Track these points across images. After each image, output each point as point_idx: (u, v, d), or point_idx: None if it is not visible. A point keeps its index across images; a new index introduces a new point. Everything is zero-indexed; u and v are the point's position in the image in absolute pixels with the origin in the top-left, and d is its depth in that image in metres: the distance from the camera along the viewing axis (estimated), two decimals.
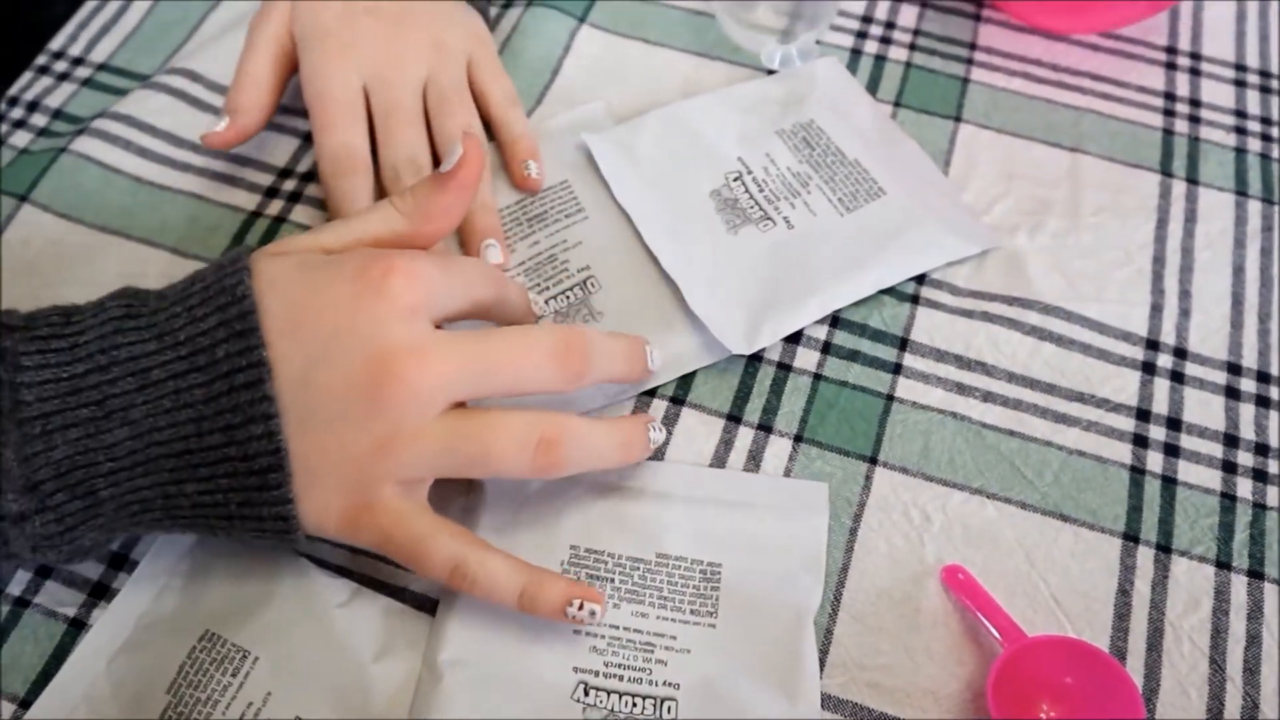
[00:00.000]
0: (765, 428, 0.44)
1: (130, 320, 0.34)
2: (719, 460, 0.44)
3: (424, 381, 0.34)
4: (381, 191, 0.47)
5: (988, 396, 0.45)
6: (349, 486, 0.35)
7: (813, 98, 0.53)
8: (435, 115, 0.49)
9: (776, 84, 0.54)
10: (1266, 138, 0.55)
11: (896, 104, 0.54)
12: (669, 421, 0.44)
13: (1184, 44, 0.58)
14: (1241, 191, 0.52)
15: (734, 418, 0.45)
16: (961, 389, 0.46)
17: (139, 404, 0.33)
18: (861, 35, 0.57)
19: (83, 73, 0.55)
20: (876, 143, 0.52)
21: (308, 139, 0.52)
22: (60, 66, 0.55)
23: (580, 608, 0.36)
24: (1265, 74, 0.57)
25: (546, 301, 0.46)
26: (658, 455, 0.43)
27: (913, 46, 0.57)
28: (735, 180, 0.50)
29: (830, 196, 0.49)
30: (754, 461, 0.44)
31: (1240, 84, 0.57)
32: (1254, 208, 0.52)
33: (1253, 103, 0.56)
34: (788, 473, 0.43)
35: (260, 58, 0.48)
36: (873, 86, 0.55)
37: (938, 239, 0.48)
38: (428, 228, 0.38)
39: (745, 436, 0.44)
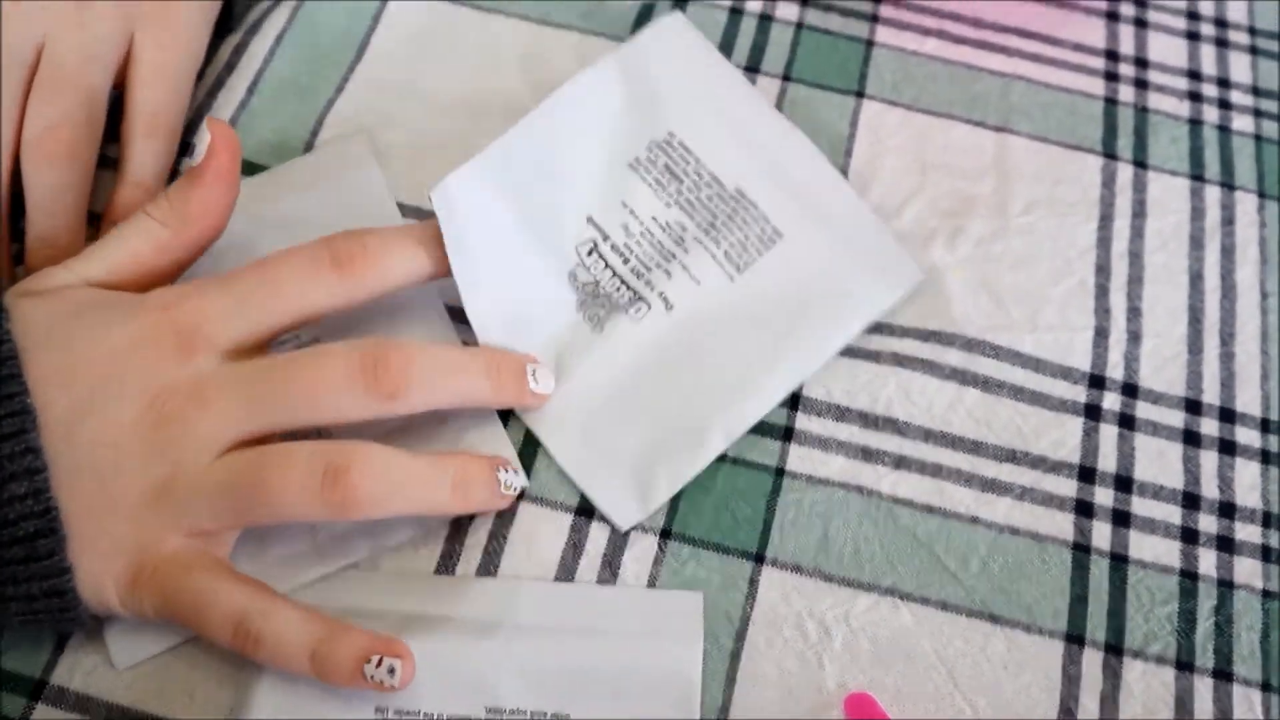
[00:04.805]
0: None
1: None
2: (566, 571, 0.34)
3: (202, 418, 0.31)
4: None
5: (900, 463, 0.37)
6: (128, 546, 0.31)
7: (662, 91, 0.40)
8: (30, 98, 0.36)
9: (612, 75, 0.39)
10: (1224, 104, 0.46)
11: (786, 78, 0.44)
12: (502, 521, 0.35)
13: None
14: (1197, 175, 0.44)
15: (585, 511, 0.35)
16: (867, 455, 0.37)
17: None
18: None
19: None
20: (756, 148, 0.40)
21: None
22: None
23: (379, 664, 0.30)
24: (1221, 23, 0.48)
25: None
26: (496, 566, 0.34)
27: (805, 1, 0.46)
28: (590, 254, 0.38)
29: (714, 251, 0.38)
30: (610, 569, 0.35)
31: (1193, 36, 0.48)
32: (1212, 195, 0.43)
33: (1208, 60, 0.47)
34: (653, 581, 0.34)
35: None
36: (756, 55, 0.45)
37: (856, 295, 0.38)
38: (192, 230, 0.34)
39: (599, 536, 0.35)
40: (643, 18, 0.45)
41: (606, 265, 0.38)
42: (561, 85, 0.38)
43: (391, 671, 0.30)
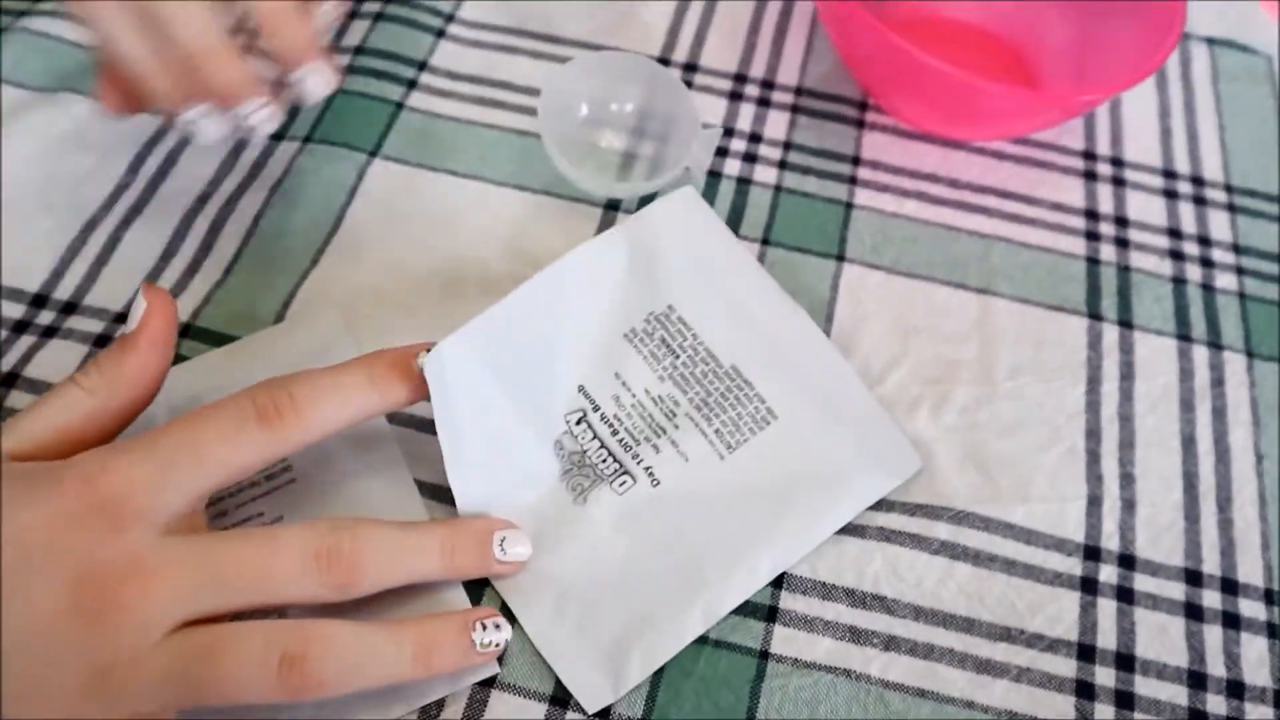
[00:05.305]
0: (600, 712, 0.33)
1: None
2: None
3: (144, 600, 0.29)
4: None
5: (890, 643, 0.35)
6: None
7: (665, 264, 0.39)
8: None
9: (618, 245, 0.39)
10: (1206, 262, 0.46)
11: (765, 241, 0.44)
12: (473, 709, 0.33)
13: (1103, 148, 0.49)
14: (1184, 335, 0.43)
15: (559, 700, 0.33)
16: (856, 635, 0.35)
17: None
18: (721, 152, 0.47)
19: None
20: (756, 327, 0.39)
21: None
22: None
23: None
24: (1198, 180, 0.48)
25: None
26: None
27: (783, 164, 0.47)
28: (579, 423, 0.38)
29: (705, 428, 0.37)
30: None
31: (1171, 195, 0.48)
32: (1200, 355, 0.43)
33: (1187, 218, 0.47)
34: None
35: None
36: (735, 219, 0.45)
37: (850, 482, 0.37)
38: (122, 400, 0.33)
39: None
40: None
41: (594, 435, 0.37)
42: (566, 253, 0.37)
43: None
